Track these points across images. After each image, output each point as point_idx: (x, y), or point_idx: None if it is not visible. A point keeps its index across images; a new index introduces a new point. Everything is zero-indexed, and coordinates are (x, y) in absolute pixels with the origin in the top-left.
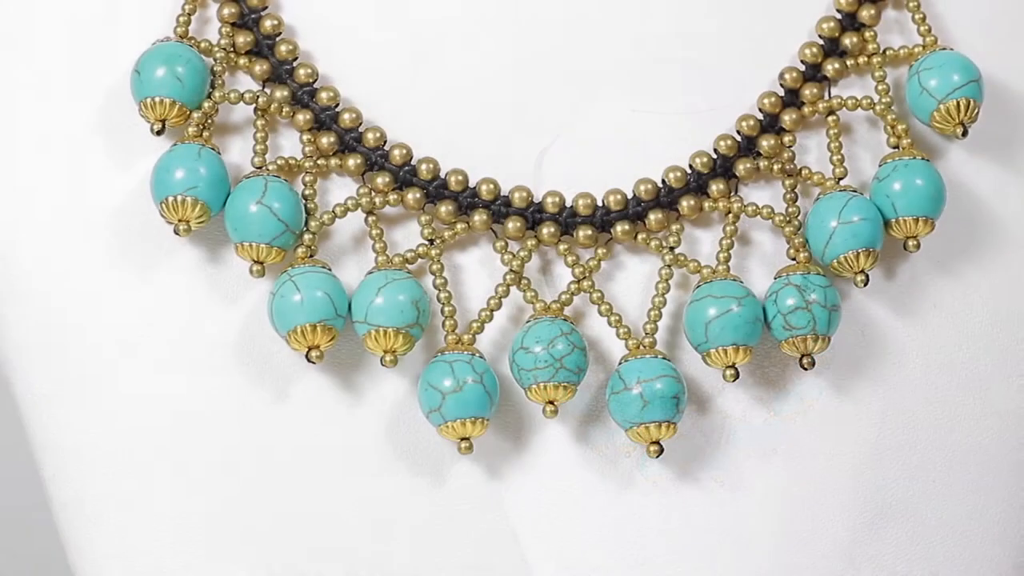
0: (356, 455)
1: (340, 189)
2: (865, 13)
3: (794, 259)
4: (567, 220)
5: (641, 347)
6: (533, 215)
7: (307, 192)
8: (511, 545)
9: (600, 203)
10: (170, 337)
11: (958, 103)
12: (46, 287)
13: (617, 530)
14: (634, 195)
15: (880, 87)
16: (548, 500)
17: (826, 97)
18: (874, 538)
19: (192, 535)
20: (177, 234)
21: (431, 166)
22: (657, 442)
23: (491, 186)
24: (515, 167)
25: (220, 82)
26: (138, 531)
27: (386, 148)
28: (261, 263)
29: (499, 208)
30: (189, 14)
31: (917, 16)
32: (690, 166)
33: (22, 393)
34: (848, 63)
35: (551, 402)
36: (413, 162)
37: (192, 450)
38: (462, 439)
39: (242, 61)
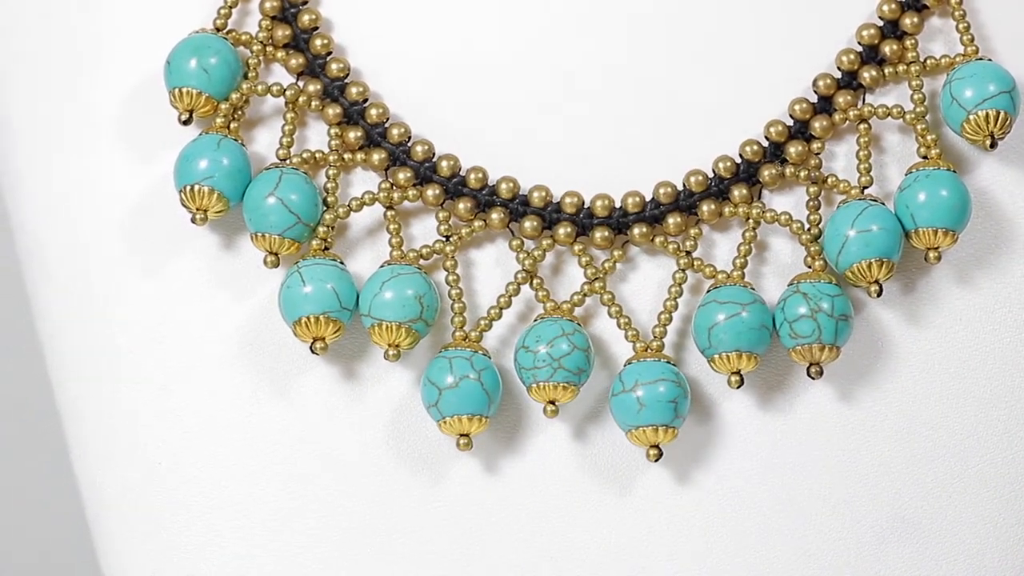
0: (359, 448)
1: (363, 183)
2: (908, 21)
3: (811, 267)
4: (583, 221)
5: (648, 350)
6: (551, 215)
7: (329, 185)
8: (510, 545)
9: (618, 205)
10: (188, 326)
11: (987, 114)
12: (75, 277)
13: (618, 534)
14: (653, 198)
15: (916, 96)
16: (549, 501)
17: (859, 105)
18: (883, 554)
19: (203, 521)
20: (194, 223)
21: (452, 163)
22: (656, 446)
23: (510, 184)
24: (536, 166)
25: (254, 74)
26: (153, 514)
27: (409, 144)
28: (276, 254)
29: (517, 207)
30: (231, 7)
31: (961, 25)
32: (713, 170)
33: (54, 372)
34: (886, 71)
35: (552, 402)
36: (434, 159)
37: (204, 439)
38: (460, 435)
39: (280, 54)
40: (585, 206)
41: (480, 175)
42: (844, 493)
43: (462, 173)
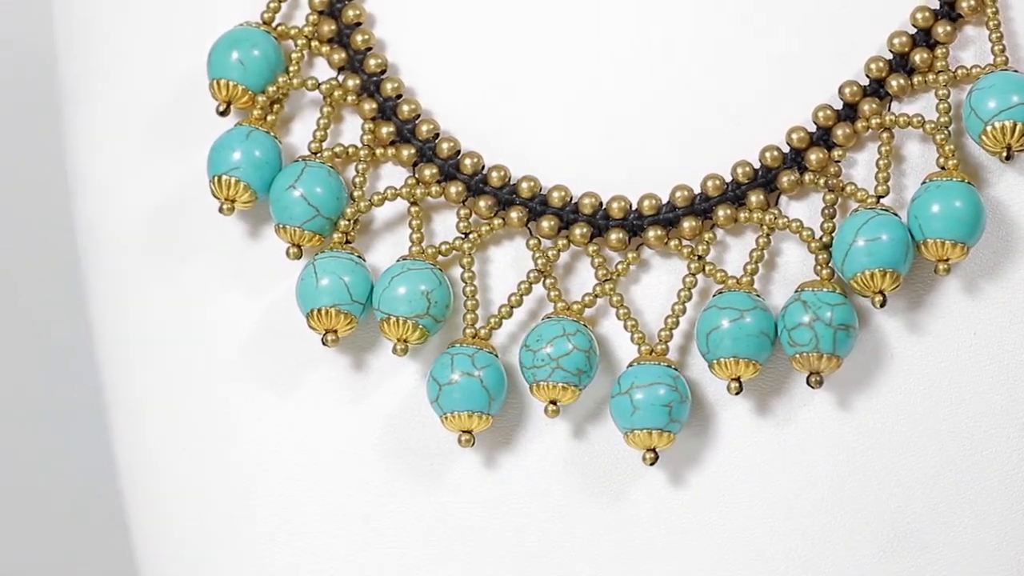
0: (363, 441)
1: (391, 178)
2: (940, 30)
3: (818, 275)
4: (599, 222)
5: (653, 353)
6: (568, 215)
7: (357, 180)
8: (510, 545)
9: (634, 207)
10: (212, 315)
11: (1003, 125)
12: (119, 262)
13: (616, 536)
14: (669, 201)
15: (941, 106)
16: (549, 501)
17: (883, 113)
18: (883, 566)
19: (215, 510)
20: (221, 212)
21: (475, 160)
22: (653, 449)
23: (531, 183)
24: (561, 166)
25: (295, 68)
26: (172, 501)
27: (436, 141)
28: (298, 246)
29: (536, 206)
30: (280, 0)
31: (994, 35)
32: (731, 175)
33: (99, 356)
34: (915, 80)
35: (553, 402)
36: (459, 156)
37: (218, 427)
38: (462, 432)
39: (324, 49)
40: (602, 207)
41: (502, 173)
42: (845, 504)
43: (484, 171)
